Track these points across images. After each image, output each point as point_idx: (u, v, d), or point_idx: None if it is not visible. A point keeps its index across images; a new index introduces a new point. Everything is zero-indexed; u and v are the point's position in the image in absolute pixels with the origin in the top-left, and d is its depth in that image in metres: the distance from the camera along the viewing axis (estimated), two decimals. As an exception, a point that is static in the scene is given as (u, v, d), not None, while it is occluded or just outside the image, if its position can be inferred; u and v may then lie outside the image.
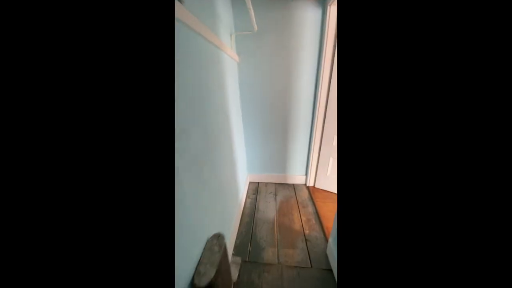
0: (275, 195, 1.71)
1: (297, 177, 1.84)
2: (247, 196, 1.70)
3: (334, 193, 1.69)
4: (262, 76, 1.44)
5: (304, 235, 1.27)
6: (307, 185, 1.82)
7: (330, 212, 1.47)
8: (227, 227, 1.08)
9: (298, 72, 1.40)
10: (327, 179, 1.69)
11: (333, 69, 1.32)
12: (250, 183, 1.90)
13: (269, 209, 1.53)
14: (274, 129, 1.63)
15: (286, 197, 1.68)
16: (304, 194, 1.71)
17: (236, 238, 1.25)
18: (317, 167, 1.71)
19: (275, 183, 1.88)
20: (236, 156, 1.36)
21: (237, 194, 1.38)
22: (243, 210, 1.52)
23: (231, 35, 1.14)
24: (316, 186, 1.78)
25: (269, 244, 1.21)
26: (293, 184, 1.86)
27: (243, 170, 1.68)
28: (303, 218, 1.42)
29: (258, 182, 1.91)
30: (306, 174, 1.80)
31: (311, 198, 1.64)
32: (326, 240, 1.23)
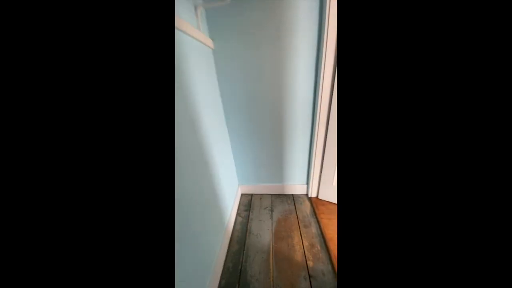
0: (271, 210, 1.43)
1: (297, 186, 1.55)
2: (238, 214, 1.42)
3: (341, 205, 1.40)
4: (246, 67, 1.11)
5: (307, 268, 1.00)
6: (309, 195, 1.54)
7: (338, 232, 1.19)
8: (206, 267, 0.80)
9: (292, 60, 1.08)
10: (333, 190, 1.40)
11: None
12: (242, 195, 1.62)
13: (263, 231, 1.26)
14: (267, 132, 1.33)
15: (285, 212, 1.40)
16: (306, 208, 1.43)
17: (221, 277, 0.98)
18: (321, 175, 1.42)
19: (271, 194, 1.60)
20: (219, 169, 1.07)
21: (223, 218, 1.10)
22: (231, 234, 1.25)
23: (196, 8, 0.82)
24: (319, 197, 1.50)
25: (262, 285, 0.94)
26: (292, 195, 1.58)
27: (232, 182, 1.39)
28: (305, 243, 1.15)
29: (252, 194, 1.63)
30: (308, 183, 1.51)
31: (315, 214, 1.36)
32: (335, 275, 0.96)
